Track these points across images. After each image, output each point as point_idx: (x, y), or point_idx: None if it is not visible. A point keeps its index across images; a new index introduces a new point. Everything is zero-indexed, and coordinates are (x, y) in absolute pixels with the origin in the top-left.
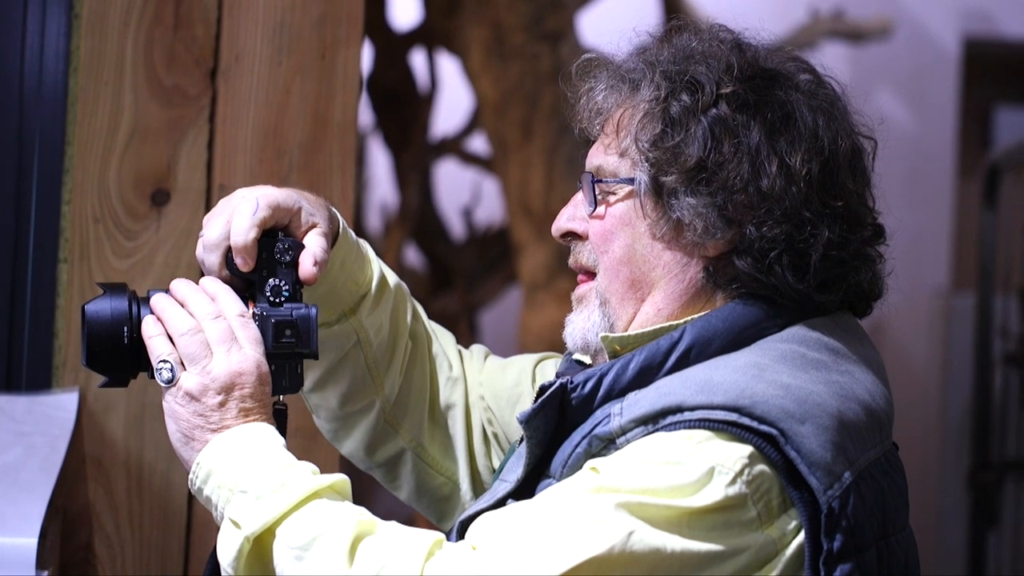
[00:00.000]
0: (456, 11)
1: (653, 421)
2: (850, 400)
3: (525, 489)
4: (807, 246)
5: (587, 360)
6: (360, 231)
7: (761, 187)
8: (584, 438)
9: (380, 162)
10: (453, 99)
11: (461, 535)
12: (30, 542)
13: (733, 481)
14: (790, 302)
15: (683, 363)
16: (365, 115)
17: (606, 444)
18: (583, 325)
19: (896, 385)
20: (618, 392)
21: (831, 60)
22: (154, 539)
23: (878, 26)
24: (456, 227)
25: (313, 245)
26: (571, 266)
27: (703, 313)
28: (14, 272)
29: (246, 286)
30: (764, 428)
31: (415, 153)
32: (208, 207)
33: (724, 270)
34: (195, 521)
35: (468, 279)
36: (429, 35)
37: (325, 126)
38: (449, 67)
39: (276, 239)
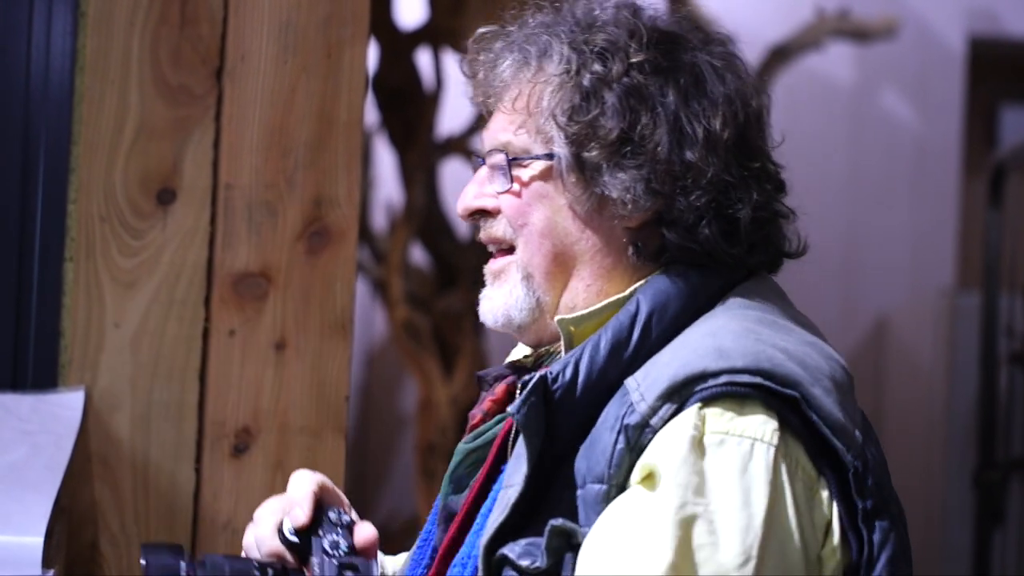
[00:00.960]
0: (462, 10)
1: (678, 393)
2: (831, 360)
3: (535, 490)
4: (735, 211)
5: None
6: (365, 230)
7: (685, 156)
8: (618, 434)
9: (385, 161)
10: (459, 98)
11: (488, 558)
12: (36, 541)
13: (775, 458)
14: (724, 268)
15: (647, 333)
16: (371, 114)
17: (642, 430)
18: (505, 300)
19: (901, 383)
20: (598, 373)
21: (836, 59)
22: (160, 538)
23: (883, 25)
24: (461, 226)
25: (366, 524)
26: (483, 240)
27: (646, 280)
28: (20, 271)
29: (299, 556)
30: (788, 392)
31: (420, 152)
32: (214, 206)
33: (651, 241)
34: (201, 520)
35: (473, 277)
36: (435, 34)
37: (331, 125)
38: (455, 66)
39: (330, 509)
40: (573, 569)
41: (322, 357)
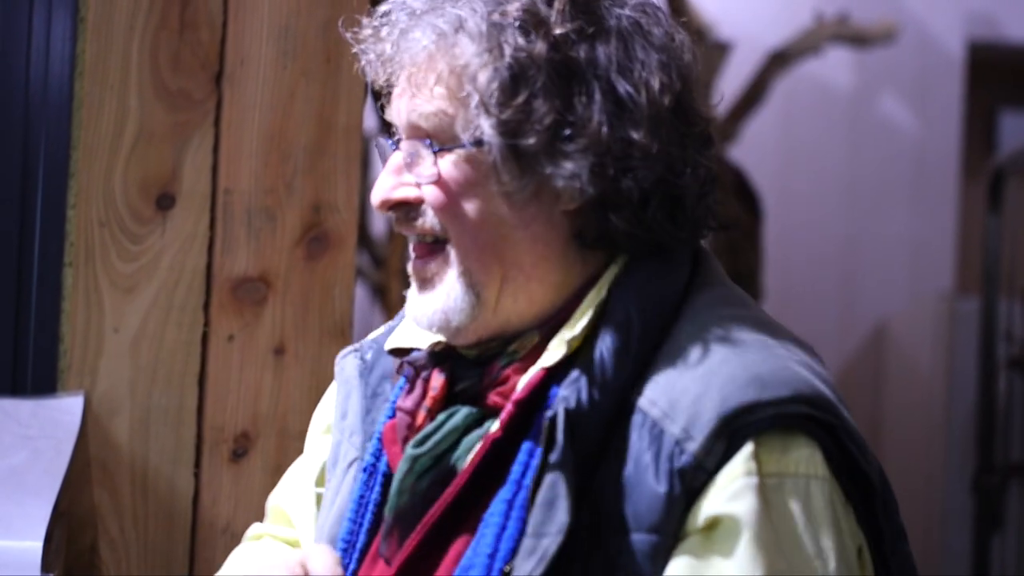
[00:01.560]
0: None
1: (728, 428)
2: (821, 365)
3: (581, 539)
4: (681, 189)
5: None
6: (364, 235)
7: (629, 134)
8: (669, 479)
9: None
10: None
11: None
12: (35, 545)
13: (830, 493)
14: (677, 253)
15: (643, 343)
16: (370, 119)
17: (695, 472)
18: (442, 302)
19: (900, 388)
20: (611, 394)
21: (836, 64)
22: (159, 542)
23: (883, 30)
24: None
25: None
26: (407, 233)
27: (614, 278)
28: (19, 276)
29: None
30: (828, 418)
31: None
32: (213, 211)
33: (591, 225)
34: (200, 524)
35: None
36: None
37: (330, 129)
38: None
39: None
40: None
41: (321, 362)
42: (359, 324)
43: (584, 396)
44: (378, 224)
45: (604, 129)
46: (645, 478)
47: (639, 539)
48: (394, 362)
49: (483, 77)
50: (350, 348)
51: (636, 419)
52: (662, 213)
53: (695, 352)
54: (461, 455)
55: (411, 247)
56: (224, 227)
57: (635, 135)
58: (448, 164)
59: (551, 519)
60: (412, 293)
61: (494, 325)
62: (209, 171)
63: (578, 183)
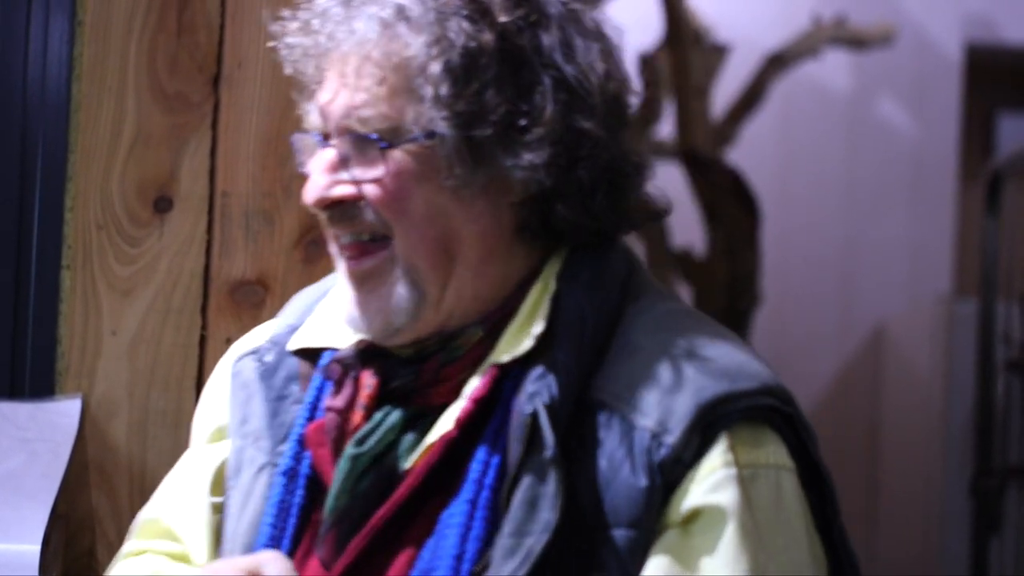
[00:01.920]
0: None
1: (703, 420)
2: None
3: (558, 538)
4: (623, 177)
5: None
6: None
7: (579, 123)
8: (648, 473)
9: None
10: None
11: None
12: (33, 549)
13: (797, 482)
14: (614, 241)
15: (596, 336)
16: None
17: (674, 465)
18: (385, 303)
19: (898, 391)
20: (573, 389)
21: (834, 67)
22: None
23: (880, 33)
24: None
25: None
26: (340, 232)
27: (553, 272)
28: (17, 279)
29: None
30: (789, 410)
31: None
32: (211, 214)
33: (534, 216)
34: None
35: None
36: None
37: None
38: None
39: None
40: None
41: None
42: None
43: (556, 392)
44: None
45: (558, 118)
46: (620, 474)
47: (618, 535)
48: (300, 363)
49: (434, 68)
50: (245, 351)
51: (601, 416)
52: (607, 202)
53: (653, 346)
54: (403, 455)
55: (337, 246)
56: (222, 230)
57: (586, 124)
58: (396, 159)
59: (534, 518)
60: (347, 295)
61: (434, 323)
62: (207, 174)
63: (536, 174)
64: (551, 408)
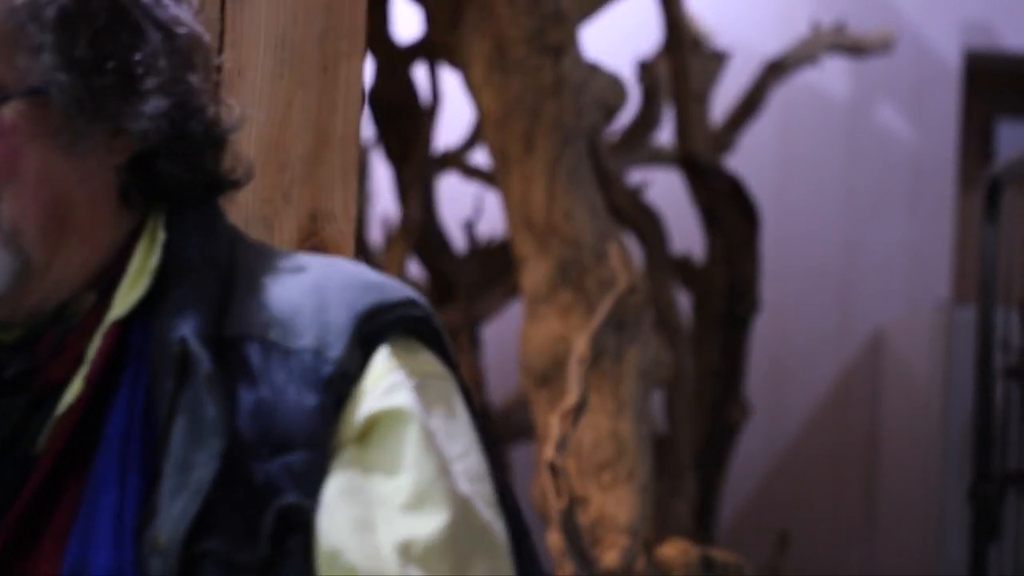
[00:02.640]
0: (458, 25)
1: (362, 332)
2: None
3: (236, 469)
4: (224, 133)
5: None
6: (362, 244)
7: (186, 76)
8: (318, 391)
9: (382, 175)
10: (455, 112)
11: (184, 555)
12: None
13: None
14: (212, 199)
15: (221, 283)
16: (367, 128)
17: (342, 380)
18: None
19: (897, 397)
20: (209, 336)
21: (832, 73)
22: None
23: (879, 39)
24: (458, 240)
25: None
26: None
27: (160, 225)
28: None
29: None
30: (435, 324)
31: (417, 166)
32: None
33: (144, 176)
34: None
35: (470, 292)
36: (431, 48)
37: (327, 139)
38: (451, 80)
39: None
40: (304, 552)
41: None
42: None
43: (196, 321)
44: (375, 233)
45: (169, 70)
46: (286, 397)
47: (293, 460)
48: None
49: (48, 13)
50: None
51: (251, 348)
52: (212, 158)
53: (288, 276)
54: (33, 440)
55: None
56: None
57: (192, 77)
58: (5, 116)
59: (198, 448)
60: None
61: (40, 293)
62: None
63: (154, 124)
64: (198, 335)
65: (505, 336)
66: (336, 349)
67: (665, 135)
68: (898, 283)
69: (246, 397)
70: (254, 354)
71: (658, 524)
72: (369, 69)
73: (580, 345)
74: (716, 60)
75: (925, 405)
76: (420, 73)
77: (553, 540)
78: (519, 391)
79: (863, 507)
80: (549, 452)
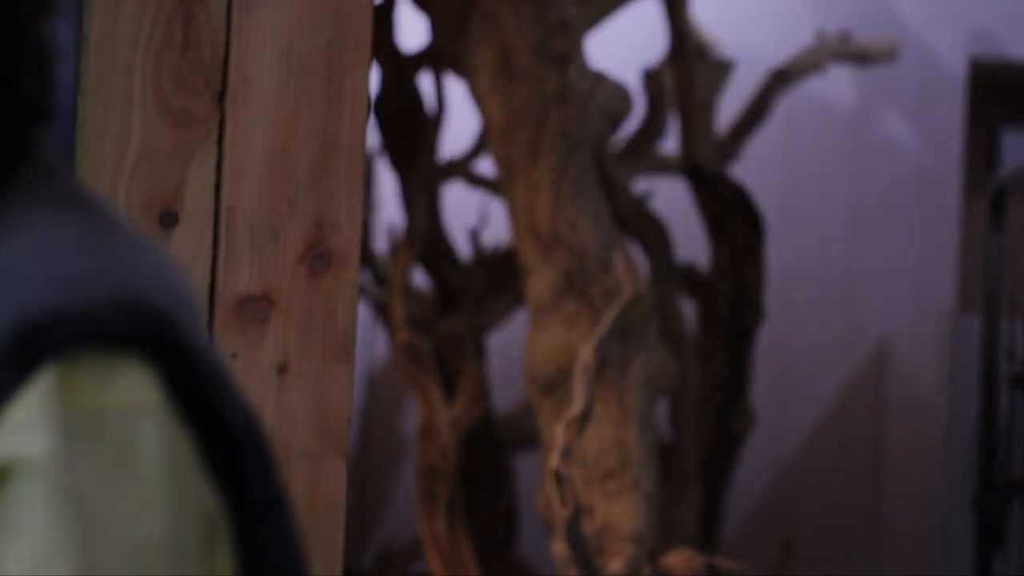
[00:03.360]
0: (463, 34)
1: (26, 345)
2: (183, 281)
3: None
4: (45, 47)
5: None
6: (367, 253)
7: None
8: None
9: (387, 184)
10: (460, 121)
11: None
12: None
13: (168, 434)
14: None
15: None
16: (372, 137)
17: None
18: None
19: (902, 406)
20: None
21: (837, 82)
22: None
23: (885, 48)
24: (463, 249)
25: None
26: None
27: None
28: None
29: None
30: (168, 335)
31: (422, 175)
32: (216, 229)
33: None
34: None
35: (475, 301)
36: (436, 57)
37: (333, 148)
38: (456, 89)
39: None
40: None
41: (324, 380)
42: (361, 342)
43: None
44: (381, 242)
45: None
46: None
47: None
48: None
49: None
50: None
51: None
52: (32, 72)
53: (4, 252)
54: None
55: None
56: (227, 245)
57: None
58: None
59: None
60: None
61: None
62: (212, 189)
63: None
64: None
65: (510, 345)
66: None
67: (670, 144)
68: (902, 292)
69: None
70: None
71: (663, 532)
72: (374, 78)
73: (585, 354)
74: (721, 69)
75: (930, 414)
76: (425, 82)
77: (558, 548)
78: (524, 400)
79: (868, 515)
80: (554, 461)
